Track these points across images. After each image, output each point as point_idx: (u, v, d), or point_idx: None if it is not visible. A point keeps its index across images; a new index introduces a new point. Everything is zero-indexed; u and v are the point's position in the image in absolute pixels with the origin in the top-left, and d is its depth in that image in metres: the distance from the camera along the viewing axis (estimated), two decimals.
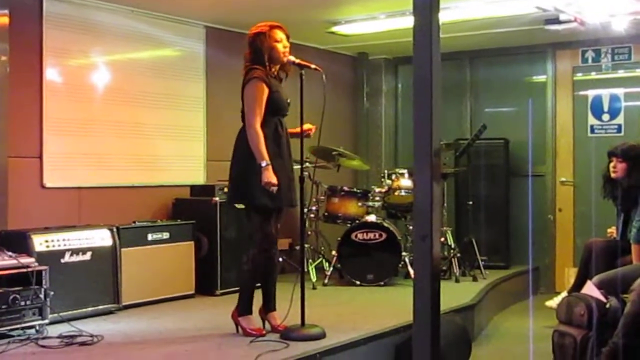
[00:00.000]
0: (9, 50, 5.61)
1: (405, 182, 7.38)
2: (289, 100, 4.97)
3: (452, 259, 7.34)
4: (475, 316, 6.29)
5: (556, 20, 6.74)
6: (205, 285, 6.56)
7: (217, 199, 6.55)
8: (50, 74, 6.13)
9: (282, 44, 4.91)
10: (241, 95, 4.89)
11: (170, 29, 7.07)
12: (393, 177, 7.46)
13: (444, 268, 7.29)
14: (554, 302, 6.32)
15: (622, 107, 8.16)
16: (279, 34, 4.91)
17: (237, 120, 4.97)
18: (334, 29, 7.60)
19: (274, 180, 4.71)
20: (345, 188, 7.49)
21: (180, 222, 6.55)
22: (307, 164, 6.47)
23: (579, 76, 8.48)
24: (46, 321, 5.01)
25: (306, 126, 5.01)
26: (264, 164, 4.71)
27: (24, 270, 4.91)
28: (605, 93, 8.27)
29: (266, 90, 4.82)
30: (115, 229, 5.87)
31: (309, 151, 6.61)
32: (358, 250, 7.10)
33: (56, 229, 5.57)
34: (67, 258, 5.48)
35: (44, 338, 4.85)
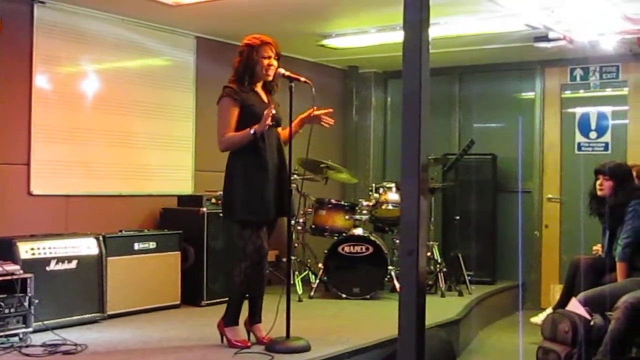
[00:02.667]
0: None
1: (393, 196, 7.39)
2: (273, 112, 4.96)
3: (438, 274, 7.35)
4: (460, 331, 6.29)
5: (545, 38, 6.78)
6: (190, 296, 6.54)
7: (204, 209, 6.54)
8: (40, 81, 6.12)
9: (267, 61, 4.92)
10: None
11: (160, 39, 7.07)
12: (381, 190, 7.48)
13: (430, 282, 7.29)
14: (538, 319, 6.33)
15: (609, 125, 8.21)
16: (268, 51, 4.92)
17: None
18: (325, 42, 7.62)
19: (265, 115, 4.72)
20: (333, 201, 7.49)
21: (167, 232, 6.54)
22: (295, 176, 6.48)
23: (567, 94, 8.53)
24: (30, 329, 4.99)
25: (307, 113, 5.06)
26: (251, 132, 4.76)
27: (9, 277, 4.88)
28: (592, 111, 8.31)
29: (235, 107, 4.86)
30: (101, 238, 5.86)
31: (297, 163, 6.62)
32: (344, 263, 7.10)
33: (42, 237, 5.55)
34: (52, 266, 5.45)
35: (27, 346, 4.82)
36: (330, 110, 5.13)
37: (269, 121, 4.74)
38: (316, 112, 5.05)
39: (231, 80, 4.96)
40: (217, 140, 4.89)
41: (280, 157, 5.00)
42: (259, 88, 5.01)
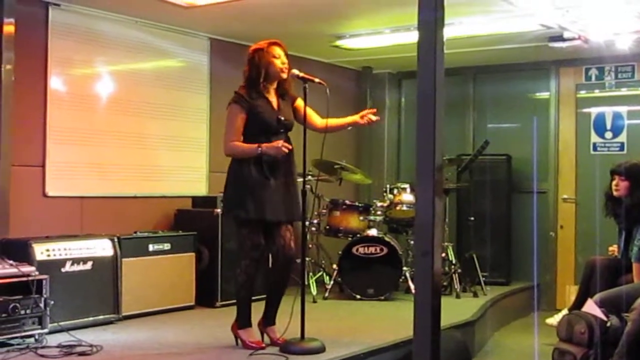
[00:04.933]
0: (14, 59, 5.62)
1: (407, 196, 7.38)
2: (282, 118, 4.94)
3: (453, 275, 7.33)
4: (475, 332, 6.27)
5: (560, 38, 6.76)
6: (205, 297, 6.55)
7: (218, 210, 6.54)
8: (55, 83, 6.14)
9: (280, 60, 4.92)
10: None
11: (174, 40, 7.09)
12: (395, 191, 7.46)
13: (445, 284, 7.27)
14: (554, 320, 6.30)
15: (625, 125, 8.16)
16: (277, 51, 4.92)
17: None
18: (339, 42, 7.61)
19: (279, 144, 4.76)
20: (347, 202, 7.48)
21: (182, 233, 6.55)
22: (310, 177, 6.47)
23: (582, 94, 8.49)
24: (46, 330, 5.00)
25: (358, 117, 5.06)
26: (259, 150, 4.80)
27: (25, 279, 4.90)
28: (608, 111, 8.27)
29: (241, 114, 4.87)
30: (116, 239, 5.87)
31: (311, 164, 6.61)
32: (359, 264, 7.09)
33: (57, 238, 5.57)
34: (67, 267, 5.47)
35: (43, 347, 4.84)
36: (374, 110, 5.12)
37: (279, 153, 4.79)
38: (365, 112, 5.09)
39: (242, 87, 4.96)
40: (222, 144, 4.94)
41: (288, 161, 4.98)
42: (271, 92, 4.99)
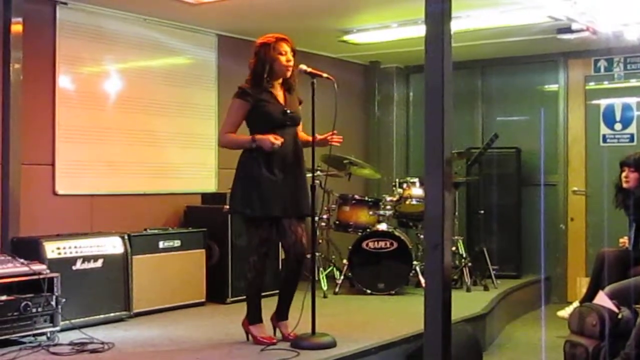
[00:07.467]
0: (23, 58, 5.63)
1: (417, 190, 7.37)
2: (288, 111, 4.94)
3: (464, 268, 7.32)
4: (486, 326, 6.27)
5: (568, 30, 6.74)
6: (216, 293, 6.56)
7: (228, 206, 6.55)
8: (63, 81, 6.16)
9: (285, 57, 4.90)
10: None
11: (182, 37, 7.09)
12: (404, 185, 7.45)
13: (455, 277, 7.26)
14: (565, 312, 6.30)
15: (634, 116, 8.13)
16: (284, 47, 4.90)
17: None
18: (346, 37, 7.61)
19: (271, 138, 4.74)
20: (357, 197, 7.48)
21: (192, 230, 6.56)
22: (319, 172, 6.47)
23: (591, 85, 8.46)
24: (57, 328, 5.02)
25: (324, 136, 5.00)
26: (253, 142, 4.79)
27: (36, 277, 4.92)
28: (617, 102, 8.24)
29: (242, 109, 4.87)
30: (126, 237, 5.88)
31: (320, 159, 6.61)
32: (369, 259, 7.09)
33: (68, 236, 5.59)
34: (78, 265, 5.49)
35: (55, 345, 4.86)
36: (341, 139, 5.04)
37: (271, 146, 4.75)
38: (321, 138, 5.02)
39: (247, 81, 4.94)
40: (218, 135, 4.95)
41: (296, 155, 4.98)
42: (277, 87, 4.98)
